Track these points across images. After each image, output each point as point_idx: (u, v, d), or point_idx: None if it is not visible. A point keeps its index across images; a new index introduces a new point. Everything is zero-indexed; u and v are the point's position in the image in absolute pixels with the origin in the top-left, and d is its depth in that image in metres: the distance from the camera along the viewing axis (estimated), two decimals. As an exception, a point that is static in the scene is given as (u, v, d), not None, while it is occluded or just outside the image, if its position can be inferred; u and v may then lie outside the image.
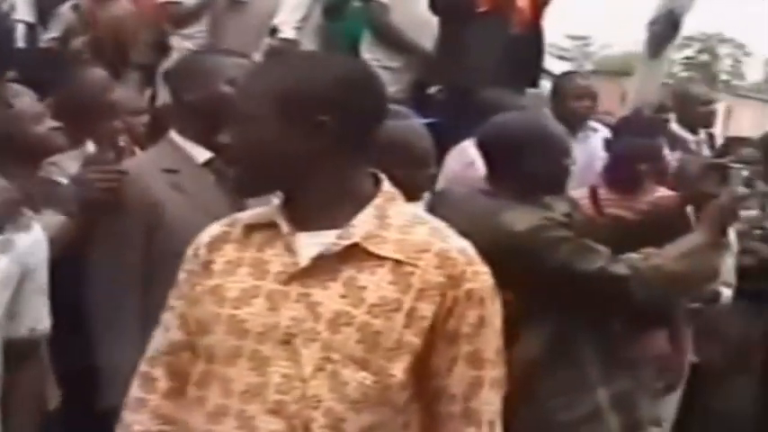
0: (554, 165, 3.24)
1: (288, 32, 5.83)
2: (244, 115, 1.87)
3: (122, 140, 3.15)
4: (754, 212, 5.02)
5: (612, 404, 3.17)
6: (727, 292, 4.67)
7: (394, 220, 1.87)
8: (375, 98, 1.93)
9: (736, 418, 5.09)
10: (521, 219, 3.02)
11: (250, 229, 1.94)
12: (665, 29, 5.82)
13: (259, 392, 1.82)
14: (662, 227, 3.40)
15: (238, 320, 1.85)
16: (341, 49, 5.82)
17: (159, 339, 2.03)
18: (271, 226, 1.90)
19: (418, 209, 1.98)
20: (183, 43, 5.91)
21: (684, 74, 21.54)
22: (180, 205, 2.95)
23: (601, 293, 3.03)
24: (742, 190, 3.31)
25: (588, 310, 3.09)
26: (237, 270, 1.90)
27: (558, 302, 3.05)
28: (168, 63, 5.54)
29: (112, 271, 2.97)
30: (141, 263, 2.95)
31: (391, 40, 5.86)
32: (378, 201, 1.89)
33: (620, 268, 3.02)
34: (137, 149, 3.79)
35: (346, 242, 1.83)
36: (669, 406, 4.71)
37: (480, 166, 3.45)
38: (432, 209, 3.03)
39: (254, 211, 1.97)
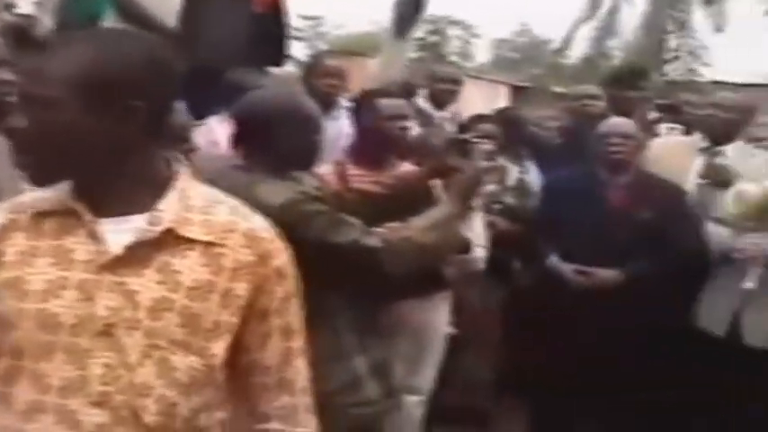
0: (306, 141, 3.29)
1: (25, 8, 5.63)
2: (43, 99, 1.75)
3: None
4: (493, 187, 5.25)
5: (371, 372, 3.25)
6: (479, 252, 4.87)
7: (195, 202, 1.86)
8: (175, 78, 1.89)
9: (477, 385, 5.31)
10: (275, 193, 3.04)
11: (41, 215, 1.84)
12: (409, 9, 5.96)
13: (80, 386, 1.76)
14: (408, 200, 3.49)
15: (49, 314, 1.77)
16: (80, 26, 5.67)
17: None
18: (64, 212, 1.82)
19: (212, 188, 1.95)
20: None
21: (416, 55, 22.00)
22: None
23: (355, 265, 3.10)
24: (485, 163, 3.44)
25: (343, 281, 3.16)
26: (34, 261, 1.80)
27: (314, 274, 3.11)
28: None
29: None
30: None
31: (134, 16, 5.74)
32: (179, 183, 1.86)
33: (372, 240, 3.10)
34: None
35: (159, 228, 1.80)
36: (427, 376, 4.86)
37: (224, 145, 3.44)
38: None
39: (41, 196, 1.86)
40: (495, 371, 5.39)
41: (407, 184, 3.65)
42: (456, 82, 6.73)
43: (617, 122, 5.24)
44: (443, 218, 3.22)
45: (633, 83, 6.20)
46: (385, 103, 4.52)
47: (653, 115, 6.08)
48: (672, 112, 6.29)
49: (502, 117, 5.96)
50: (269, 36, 5.91)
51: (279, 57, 6.08)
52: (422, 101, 6.53)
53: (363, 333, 3.27)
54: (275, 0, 5.96)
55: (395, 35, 6.02)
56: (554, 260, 5.05)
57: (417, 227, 3.17)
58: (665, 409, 4.98)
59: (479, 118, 5.74)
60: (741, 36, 23.39)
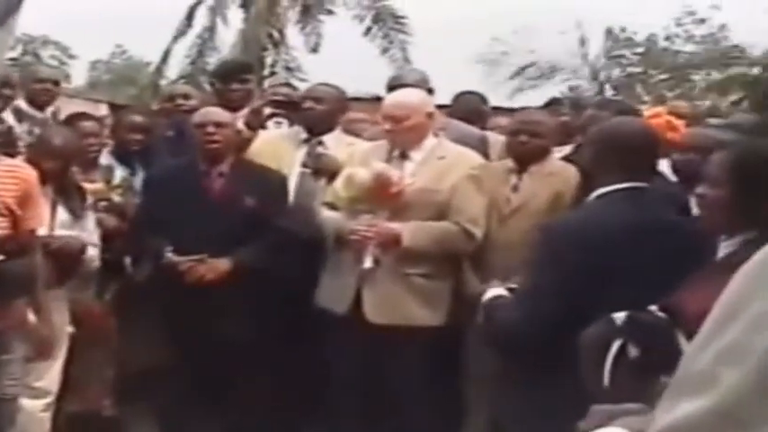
0: None
1: None
2: None
3: None
4: (99, 185, 5.09)
5: None
6: (93, 251, 4.82)
7: None
8: None
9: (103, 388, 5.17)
10: None
11: None
12: (11, -3, 5.65)
13: None
14: None
15: None
16: None
17: None
18: None
19: None
20: None
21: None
22: None
23: None
24: None
25: None
26: None
27: None
28: None
29: None
30: None
31: None
32: None
33: None
34: None
35: None
36: (51, 378, 4.74)
37: None
38: None
39: None
40: (121, 373, 5.24)
41: None
42: (55, 83, 6.77)
43: (208, 111, 5.26)
44: None
45: (238, 76, 6.21)
46: None
47: (268, 111, 6.09)
48: (287, 108, 6.32)
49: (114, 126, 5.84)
50: None
51: None
52: (22, 102, 6.42)
53: None
54: None
55: (-6, 23, 5.68)
56: (168, 255, 4.95)
57: None
58: (293, 395, 5.02)
59: (80, 116, 5.60)
60: (339, 53, 24.09)
